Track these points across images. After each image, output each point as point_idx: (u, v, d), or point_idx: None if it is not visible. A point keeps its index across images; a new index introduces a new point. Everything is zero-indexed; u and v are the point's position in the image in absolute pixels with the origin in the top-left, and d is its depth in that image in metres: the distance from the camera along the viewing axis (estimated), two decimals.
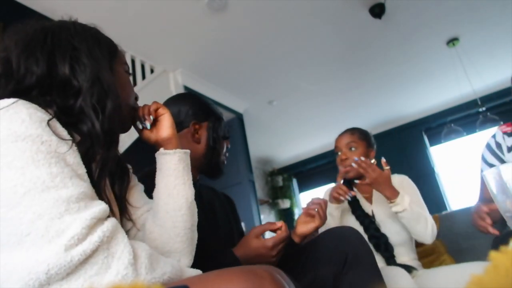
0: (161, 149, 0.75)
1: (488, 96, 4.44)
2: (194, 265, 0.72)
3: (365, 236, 1.47)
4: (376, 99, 4.56)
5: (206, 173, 1.11)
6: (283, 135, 5.19)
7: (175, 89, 3.31)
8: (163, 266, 0.52)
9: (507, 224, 0.62)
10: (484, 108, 3.92)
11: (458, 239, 1.83)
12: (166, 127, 0.76)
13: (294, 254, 1.00)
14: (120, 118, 0.66)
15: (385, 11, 2.90)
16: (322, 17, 3.00)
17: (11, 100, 0.51)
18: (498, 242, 1.18)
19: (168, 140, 0.75)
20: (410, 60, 3.79)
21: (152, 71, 3.19)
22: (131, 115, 0.75)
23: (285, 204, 5.60)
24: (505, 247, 0.29)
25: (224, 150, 1.14)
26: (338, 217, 1.47)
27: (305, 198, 6.11)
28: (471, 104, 4.42)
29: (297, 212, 5.76)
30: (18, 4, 2.39)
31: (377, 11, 2.88)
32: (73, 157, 0.52)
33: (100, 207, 0.48)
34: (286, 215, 5.66)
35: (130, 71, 0.80)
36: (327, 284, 0.87)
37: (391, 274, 1.12)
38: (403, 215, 1.33)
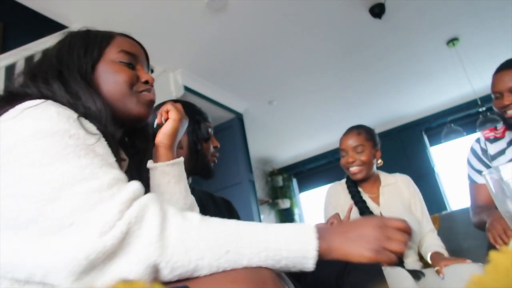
0: (149, 162, 0.74)
1: (488, 96, 4.40)
2: None
3: None
4: (376, 99, 4.56)
5: (199, 175, 1.11)
6: (283, 135, 5.19)
7: (175, 89, 3.31)
8: (199, 249, 0.48)
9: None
10: (484, 108, 3.91)
11: (458, 239, 1.83)
12: (162, 132, 0.75)
13: None
14: (114, 112, 0.66)
15: (385, 11, 2.90)
16: (322, 17, 3.00)
17: (41, 100, 0.54)
18: None
19: (159, 146, 0.74)
20: (410, 60, 3.79)
21: (152, 71, 3.19)
22: (131, 100, 0.71)
23: (285, 204, 5.60)
24: (505, 247, 0.29)
25: (212, 150, 1.14)
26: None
27: (305, 198, 6.11)
28: (471, 104, 4.42)
29: (297, 212, 5.76)
30: (18, 4, 2.39)
31: (377, 11, 2.88)
32: (102, 148, 0.54)
33: (133, 187, 0.50)
34: (286, 215, 5.66)
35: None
36: (329, 284, 0.87)
37: (392, 275, 1.12)
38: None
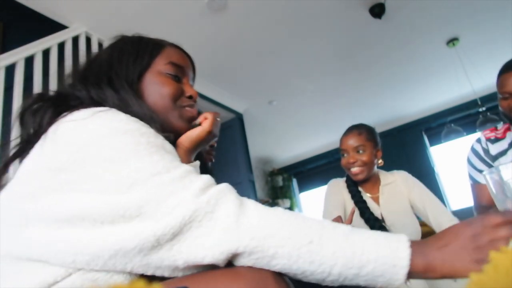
0: None
1: (488, 96, 4.44)
2: None
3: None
4: (376, 99, 4.56)
5: None
6: (283, 135, 5.19)
7: None
8: (280, 236, 0.46)
9: None
10: (484, 108, 3.92)
11: None
12: (187, 135, 0.73)
13: None
14: (161, 123, 0.65)
15: (385, 11, 2.90)
16: (322, 17, 3.00)
17: (107, 107, 0.56)
18: None
19: (179, 147, 0.73)
20: (410, 60, 3.79)
21: None
22: (173, 114, 0.71)
23: (285, 204, 5.60)
24: (505, 247, 0.29)
25: (207, 148, 1.13)
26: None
27: (305, 198, 6.11)
28: (471, 104, 4.42)
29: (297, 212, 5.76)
30: (18, 4, 2.39)
31: (377, 11, 2.88)
32: (169, 146, 0.56)
33: (205, 178, 0.51)
34: None
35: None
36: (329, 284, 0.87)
37: None
38: None
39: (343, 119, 4.76)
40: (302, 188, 6.13)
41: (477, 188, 1.41)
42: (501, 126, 1.42)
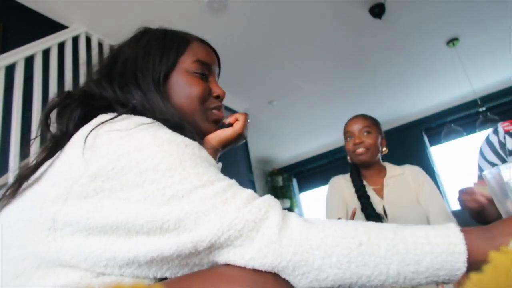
0: None
1: (488, 96, 4.44)
2: None
3: None
4: (376, 99, 4.56)
5: None
6: (283, 135, 5.19)
7: None
8: (326, 246, 0.43)
9: None
10: (484, 108, 3.92)
11: None
12: (216, 134, 0.72)
13: None
14: (187, 122, 0.64)
15: (385, 11, 2.90)
16: (322, 17, 3.00)
17: (151, 119, 0.55)
18: None
19: (207, 145, 0.71)
20: (410, 60, 3.79)
21: None
22: (201, 116, 0.69)
23: (285, 204, 5.60)
24: (505, 247, 0.29)
25: None
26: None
27: (305, 198, 6.10)
28: (471, 104, 4.42)
29: (297, 212, 5.75)
30: (18, 4, 2.39)
31: (377, 11, 2.88)
32: (212, 160, 0.54)
33: (248, 191, 0.49)
34: None
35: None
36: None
37: None
38: None
39: (343, 119, 4.74)
40: (302, 188, 6.13)
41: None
42: None
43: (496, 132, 1.38)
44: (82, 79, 2.32)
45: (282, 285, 0.45)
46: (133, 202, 0.46)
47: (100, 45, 2.61)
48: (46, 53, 2.20)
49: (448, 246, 0.43)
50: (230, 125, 0.74)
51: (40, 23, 2.47)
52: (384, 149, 1.52)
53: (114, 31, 2.62)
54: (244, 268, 0.45)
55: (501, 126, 1.36)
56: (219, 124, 0.74)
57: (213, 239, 0.43)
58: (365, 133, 1.49)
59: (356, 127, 1.51)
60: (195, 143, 0.53)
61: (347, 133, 1.55)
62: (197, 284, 0.44)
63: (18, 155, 1.85)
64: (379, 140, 1.51)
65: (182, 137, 0.52)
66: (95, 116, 0.55)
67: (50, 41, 2.23)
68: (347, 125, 1.56)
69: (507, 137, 1.34)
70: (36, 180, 0.52)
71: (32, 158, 0.59)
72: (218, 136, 0.71)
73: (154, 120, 0.54)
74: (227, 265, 0.46)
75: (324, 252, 0.43)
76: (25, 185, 0.53)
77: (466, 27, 3.38)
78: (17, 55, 2.01)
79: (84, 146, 0.49)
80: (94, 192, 0.47)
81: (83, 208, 0.47)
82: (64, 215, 0.47)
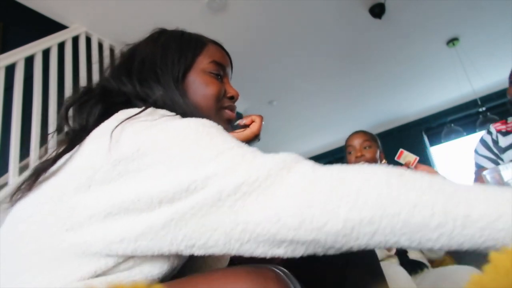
0: None
1: (488, 96, 4.44)
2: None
3: None
4: (376, 99, 4.56)
5: None
6: (283, 135, 5.19)
7: None
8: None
9: None
10: (484, 108, 3.92)
11: None
12: (232, 135, 0.73)
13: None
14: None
15: (385, 11, 2.90)
16: (322, 17, 3.00)
17: (173, 113, 0.55)
18: None
19: None
20: (410, 60, 3.79)
21: None
22: (215, 115, 0.71)
23: None
24: (505, 247, 0.29)
25: None
26: None
27: None
28: (471, 104, 4.42)
29: None
30: (18, 4, 2.39)
31: (377, 11, 2.88)
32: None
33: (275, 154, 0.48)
34: None
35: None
36: (330, 283, 0.87)
37: (389, 273, 1.13)
38: None
39: (343, 119, 4.76)
40: None
41: (480, 171, 1.43)
42: (511, 119, 1.45)
43: (489, 132, 1.50)
44: (82, 79, 2.32)
45: (283, 285, 0.45)
46: (160, 176, 0.45)
47: (100, 45, 2.61)
48: (46, 53, 2.20)
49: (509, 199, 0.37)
50: (245, 126, 0.76)
51: (40, 23, 2.47)
52: (384, 161, 1.64)
53: (114, 31, 2.62)
54: (245, 268, 0.45)
55: (493, 127, 1.46)
56: (233, 124, 0.75)
57: (240, 181, 0.41)
58: (365, 148, 1.62)
59: (357, 142, 1.64)
60: (220, 126, 0.53)
61: (349, 147, 1.68)
62: (199, 284, 0.44)
63: (18, 155, 1.86)
64: (378, 153, 1.64)
65: (207, 120, 0.52)
66: (114, 111, 0.55)
67: (50, 41, 2.23)
68: (348, 140, 1.69)
69: (499, 135, 1.42)
70: (54, 173, 0.52)
71: (49, 152, 0.59)
72: (237, 137, 0.72)
73: (176, 114, 0.55)
74: (228, 266, 0.46)
75: (362, 178, 0.41)
76: (41, 178, 0.53)
77: (466, 27, 3.38)
78: (17, 55, 2.01)
79: (111, 141, 0.48)
80: (118, 176, 0.47)
81: (106, 191, 0.46)
82: (86, 203, 0.47)
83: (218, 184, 0.42)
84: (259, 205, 0.41)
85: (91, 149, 0.50)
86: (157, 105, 0.59)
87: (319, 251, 0.42)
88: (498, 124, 1.48)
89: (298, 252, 0.42)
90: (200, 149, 0.46)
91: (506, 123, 1.46)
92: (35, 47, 2.11)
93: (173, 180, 0.44)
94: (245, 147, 0.47)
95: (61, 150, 0.57)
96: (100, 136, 0.51)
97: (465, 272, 1.15)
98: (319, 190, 0.40)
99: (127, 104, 0.60)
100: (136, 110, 0.54)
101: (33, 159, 1.90)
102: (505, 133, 1.43)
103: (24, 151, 1.92)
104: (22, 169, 1.88)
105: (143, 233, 0.44)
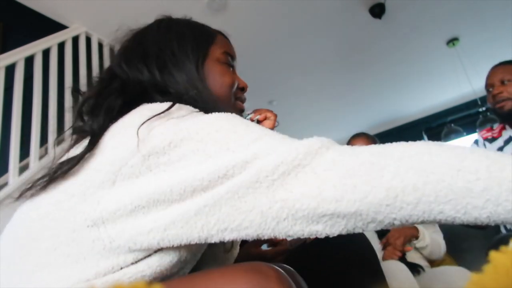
0: None
1: None
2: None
3: (375, 235, 1.47)
4: (376, 99, 4.56)
5: None
6: (283, 135, 5.19)
7: None
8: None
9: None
10: (484, 108, 3.91)
11: (458, 239, 1.83)
12: None
13: (299, 252, 1.00)
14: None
15: (385, 11, 2.90)
16: (322, 17, 3.00)
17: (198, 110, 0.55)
18: (498, 243, 1.18)
19: None
20: (410, 60, 3.79)
21: None
22: (230, 105, 0.71)
23: None
24: (505, 247, 0.29)
25: None
26: None
27: None
28: (471, 104, 4.42)
29: None
30: (18, 4, 2.39)
31: (377, 11, 2.88)
32: None
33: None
34: None
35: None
36: (330, 283, 0.87)
37: (391, 270, 1.12)
38: (426, 249, 1.39)
39: (344, 120, 4.76)
40: None
41: None
42: (497, 125, 1.47)
43: (476, 142, 1.52)
44: (82, 79, 2.32)
45: (284, 284, 0.44)
46: (194, 165, 0.44)
47: (100, 45, 2.61)
48: (46, 53, 2.20)
49: None
50: (257, 121, 0.76)
51: (40, 23, 2.47)
52: None
53: (113, 31, 2.61)
54: (244, 266, 0.44)
55: (479, 135, 1.48)
56: (244, 117, 0.75)
57: (279, 161, 0.41)
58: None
59: (359, 146, 1.62)
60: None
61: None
62: (199, 283, 0.44)
63: (18, 155, 1.86)
64: None
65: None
66: (134, 105, 0.54)
67: (50, 41, 2.23)
68: (349, 143, 1.66)
69: (486, 143, 1.44)
70: (73, 172, 0.50)
71: (65, 151, 0.57)
72: None
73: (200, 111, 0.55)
74: (228, 266, 0.45)
75: (402, 149, 0.40)
76: (59, 176, 0.51)
77: (466, 27, 3.37)
78: (17, 55, 2.01)
79: (138, 137, 0.47)
80: (147, 170, 0.46)
81: (134, 185, 0.45)
82: (110, 198, 0.46)
83: (257, 166, 0.41)
84: (298, 182, 0.40)
85: (113, 145, 0.49)
86: (180, 97, 0.58)
87: (359, 225, 0.40)
88: (483, 132, 1.51)
89: (337, 227, 0.41)
90: (237, 136, 0.45)
91: (491, 129, 1.49)
92: (35, 47, 2.11)
93: (210, 167, 0.43)
94: (280, 134, 0.48)
95: (85, 149, 0.53)
96: (123, 132, 0.50)
97: (455, 273, 1.15)
98: (360, 162, 0.40)
99: (144, 95, 0.58)
100: (161, 105, 0.52)
101: (33, 159, 1.90)
102: (491, 140, 1.45)
103: (24, 151, 1.92)
104: (22, 169, 1.88)
105: (173, 222, 0.43)
